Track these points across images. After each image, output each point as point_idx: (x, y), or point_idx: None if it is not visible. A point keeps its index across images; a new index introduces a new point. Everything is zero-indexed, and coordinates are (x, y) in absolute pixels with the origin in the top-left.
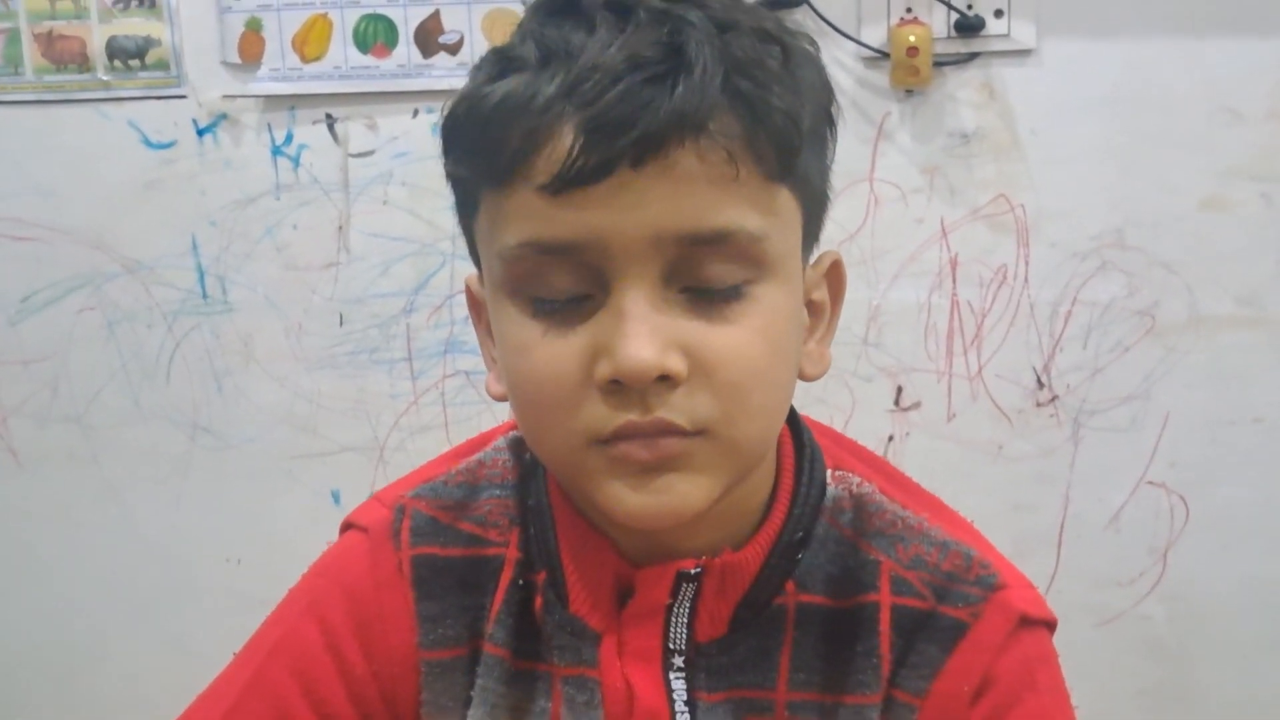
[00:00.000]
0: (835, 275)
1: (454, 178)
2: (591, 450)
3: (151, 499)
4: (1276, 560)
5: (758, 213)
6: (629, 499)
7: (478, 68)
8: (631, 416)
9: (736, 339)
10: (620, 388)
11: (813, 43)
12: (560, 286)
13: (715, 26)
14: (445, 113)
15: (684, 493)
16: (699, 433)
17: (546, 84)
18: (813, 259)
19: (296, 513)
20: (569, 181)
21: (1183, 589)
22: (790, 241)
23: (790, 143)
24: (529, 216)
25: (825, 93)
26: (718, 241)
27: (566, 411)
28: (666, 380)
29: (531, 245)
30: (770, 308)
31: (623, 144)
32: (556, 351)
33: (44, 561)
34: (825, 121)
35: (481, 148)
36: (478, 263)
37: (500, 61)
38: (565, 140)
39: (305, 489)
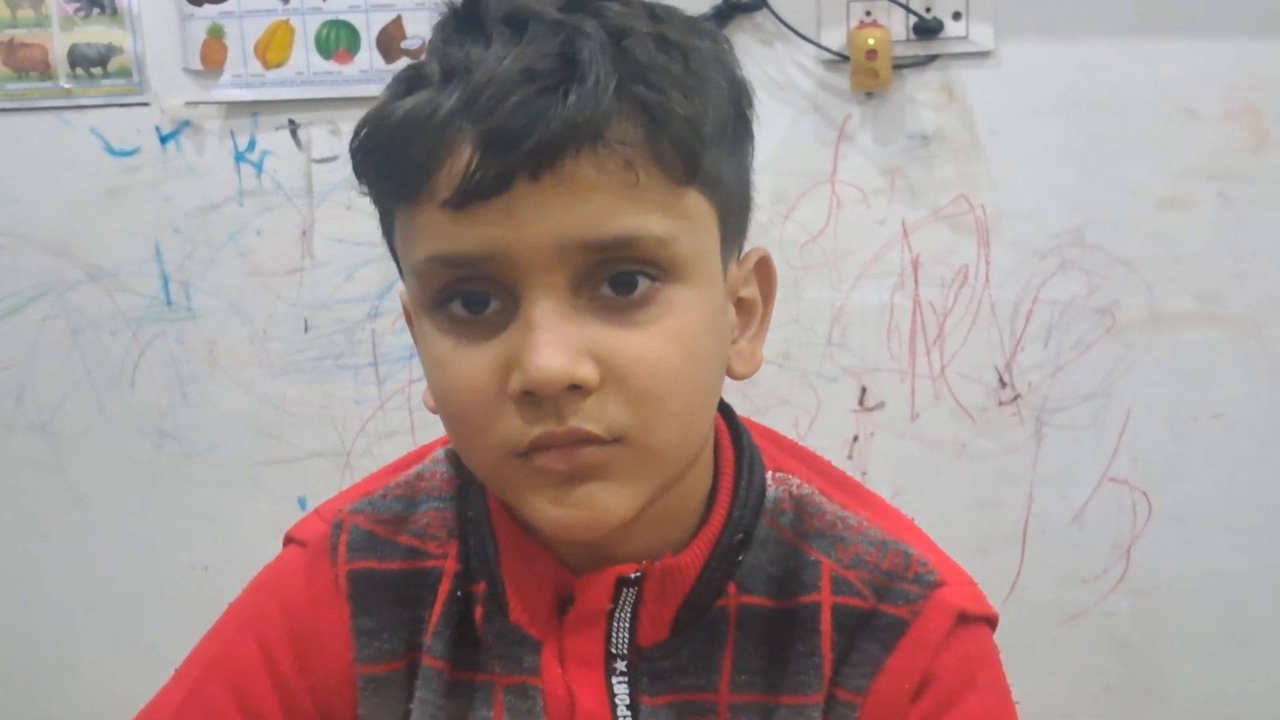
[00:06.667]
0: (764, 271)
1: (370, 196)
2: (513, 463)
3: (118, 507)
4: (1239, 554)
5: (663, 216)
6: (551, 511)
7: (388, 87)
8: (547, 427)
9: (648, 344)
10: (534, 399)
11: (724, 41)
12: (471, 300)
13: (611, 35)
14: (354, 133)
15: (606, 503)
16: (616, 440)
17: (446, 99)
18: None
19: (263, 519)
20: (469, 196)
21: (1146, 584)
22: (703, 243)
23: (692, 146)
24: (435, 232)
25: (735, 91)
26: (621, 247)
27: (485, 425)
28: (579, 389)
29: (439, 260)
30: (683, 311)
31: (519, 156)
32: (471, 365)
33: (10, 571)
34: (737, 120)
35: (388, 166)
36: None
37: (407, 79)
38: (464, 155)
39: (272, 495)
